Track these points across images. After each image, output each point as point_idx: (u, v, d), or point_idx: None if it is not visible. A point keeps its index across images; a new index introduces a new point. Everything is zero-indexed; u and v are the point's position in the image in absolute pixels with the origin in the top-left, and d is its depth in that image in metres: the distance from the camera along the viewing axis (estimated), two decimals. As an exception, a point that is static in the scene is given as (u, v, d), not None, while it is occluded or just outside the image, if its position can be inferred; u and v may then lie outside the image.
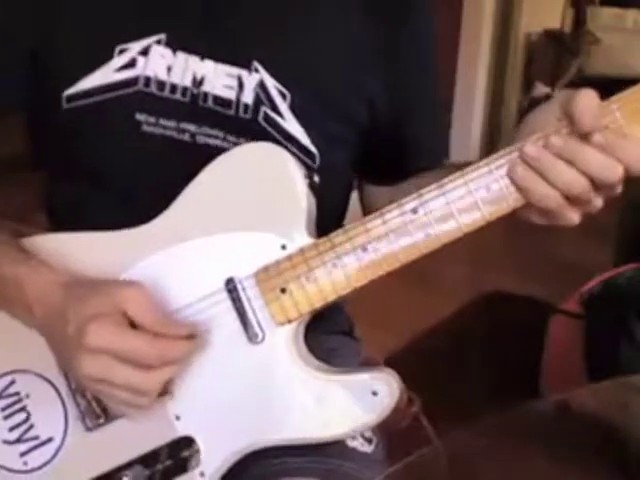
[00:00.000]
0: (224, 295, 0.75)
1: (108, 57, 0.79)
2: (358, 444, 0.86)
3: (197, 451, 0.76)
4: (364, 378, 0.75)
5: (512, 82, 4.15)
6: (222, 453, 0.76)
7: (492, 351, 2.44)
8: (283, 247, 0.75)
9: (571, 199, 0.66)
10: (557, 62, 4.22)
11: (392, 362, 1.30)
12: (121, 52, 0.79)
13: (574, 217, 0.68)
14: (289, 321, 0.75)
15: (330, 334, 0.99)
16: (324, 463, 0.80)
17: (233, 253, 0.76)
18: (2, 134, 0.89)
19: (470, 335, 2.54)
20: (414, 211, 0.72)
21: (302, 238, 0.75)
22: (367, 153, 0.79)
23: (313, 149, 0.82)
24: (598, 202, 0.67)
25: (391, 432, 1.18)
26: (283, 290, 0.74)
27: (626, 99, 0.67)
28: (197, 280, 0.76)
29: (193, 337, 0.73)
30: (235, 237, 0.76)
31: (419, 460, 1.14)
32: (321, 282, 0.74)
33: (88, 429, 0.77)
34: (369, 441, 0.87)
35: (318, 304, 0.75)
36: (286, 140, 0.81)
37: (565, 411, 1.34)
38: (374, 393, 0.74)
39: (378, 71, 0.85)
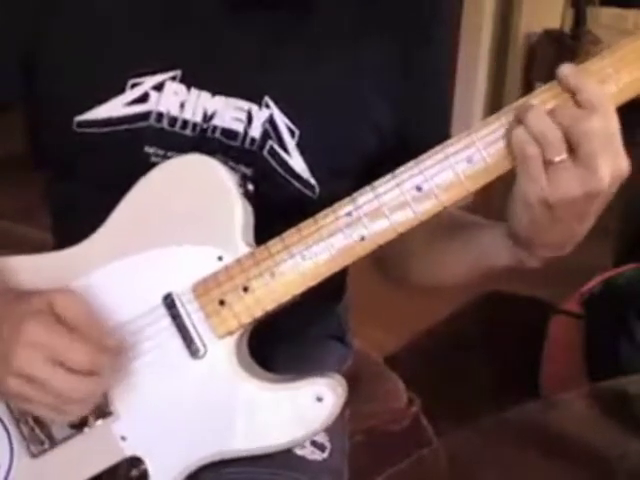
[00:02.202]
0: (163, 311, 0.74)
1: (120, 90, 0.79)
2: (307, 452, 0.84)
3: (145, 470, 0.75)
4: (308, 384, 0.74)
5: (512, 82, 4.15)
6: (171, 471, 0.75)
7: (492, 351, 2.44)
8: (220, 258, 0.73)
9: (546, 160, 0.66)
10: (557, 62, 4.19)
11: (392, 362, 1.31)
12: (133, 86, 0.79)
13: (546, 186, 0.66)
14: (230, 333, 0.73)
15: (318, 339, 0.98)
16: (261, 473, 0.79)
17: (169, 268, 0.74)
18: (2, 134, 0.89)
19: (470, 335, 2.54)
20: (348, 214, 0.71)
21: (239, 248, 0.73)
22: (371, 176, 0.79)
23: (313, 182, 0.82)
24: (568, 176, 0.66)
25: (391, 432, 1.19)
26: (222, 302, 0.73)
27: (614, 50, 0.68)
28: (134, 298, 0.74)
29: (120, 352, 0.72)
30: (171, 252, 0.74)
31: (419, 460, 1.14)
32: (259, 292, 0.72)
33: (33, 456, 0.76)
34: (321, 448, 0.86)
35: (258, 314, 0.73)
36: (287, 173, 0.81)
37: (564, 411, 1.34)
38: (319, 399, 0.73)
39: (388, 93, 0.86)
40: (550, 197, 0.67)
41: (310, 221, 0.72)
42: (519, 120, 0.67)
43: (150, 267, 0.75)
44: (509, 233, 0.74)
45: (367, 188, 0.72)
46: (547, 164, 0.66)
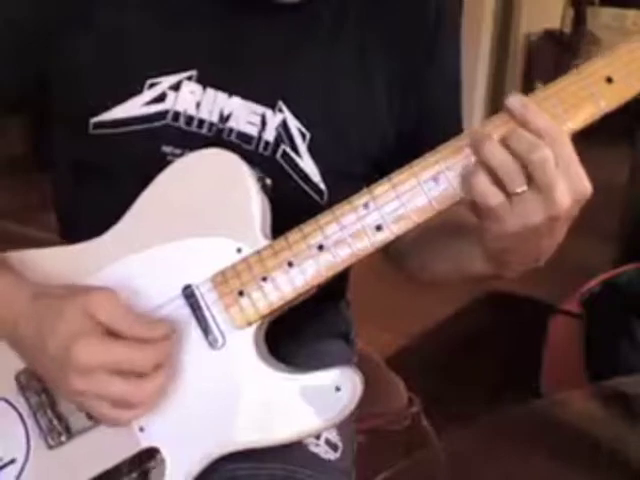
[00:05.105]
0: (182, 302, 0.75)
1: (139, 90, 0.80)
2: (321, 451, 0.85)
3: (162, 461, 0.75)
4: (326, 375, 0.75)
5: (512, 82, 4.16)
6: (188, 462, 0.75)
7: (492, 351, 2.44)
8: (239, 250, 0.75)
9: (508, 193, 0.66)
10: (557, 62, 4.22)
11: (393, 362, 1.31)
12: (151, 86, 0.80)
13: (512, 221, 0.67)
14: (249, 324, 0.74)
15: (322, 337, 0.99)
16: (277, 469, 0.79)
17: (189, 260, 0.75)
18: (2, 134, 0.89)
19: (470, 335, 2.54)
20: (365, 206, 0.72)
21: (257, 240, 0.75)
22: (377, 179, 0.80)
23: (323, 187, 0.84)
24: (534, 207, 0.66)
25: (392, 432, 1.19)
26: (241, 293, 0.74)
27: (560, 82, 0.70)
28: (154, 289, 0.75)
29: (170, 335, 0.72)
30: (190, 243, 0.76)
31: (419, 460, 1.14)
32: (279, 282, 0.73)
33: (50, 447, 0.76)
34: (334, 448, 0.87)
35: (277, 304, 0.74)
36: (299, 177, 0.83)
37: (564, 410, 1.34)
38: (337, 389, 0.74)
39: (394, 110, 0.87)
40: (516, 228, 0.68)
41: (327, 212, 0.73)
42: (475, 152, 0.68)
43: (169, 259, 0.76)
44: (484, 255, 0.75)
45: (384, 179, 0.72)
46: (509, 196, 0.67)
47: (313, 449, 0.84)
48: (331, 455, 0.86)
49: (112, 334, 0.69)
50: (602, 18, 4.55)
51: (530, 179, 0.66)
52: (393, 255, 0.92)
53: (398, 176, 0.72)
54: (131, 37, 0.81)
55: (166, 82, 0.80)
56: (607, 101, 0.70)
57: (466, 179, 0.69)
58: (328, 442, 0.86)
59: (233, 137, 0.82)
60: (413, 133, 0.88)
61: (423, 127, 0.89)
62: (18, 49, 0.82)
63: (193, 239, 0.76)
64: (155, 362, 0.70)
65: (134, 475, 0.76)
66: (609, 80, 0.70)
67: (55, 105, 0.84)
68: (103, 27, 0.81)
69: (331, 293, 0.94)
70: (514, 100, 0.68)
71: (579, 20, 4.46)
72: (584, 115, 0.70)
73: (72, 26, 0.80)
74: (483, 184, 0.67)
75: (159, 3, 0.82)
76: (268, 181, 0.81)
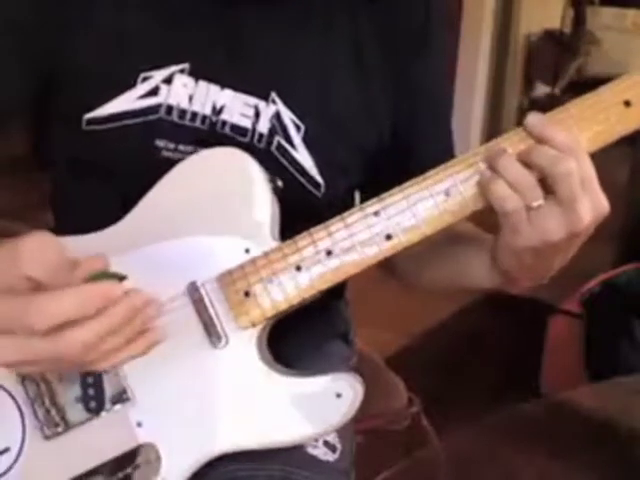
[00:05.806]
0: (186, 299, 0.74)
1: (132, 84, 0.80)
2: (320, 452, 0.85)
3: (159, 458, 0.75)
4: (328, 380, 0.75)
5: (512, 82, 4.16)
6: (184, 460, 0.75)
7: (492, 351, 2.44)
8: (247, 251, 0.75)
9: (527, 205, 0.67)
10: (557, 62, 4.22)
11: (392, 363, 1.31)
12: (144, 80, 0.80)
13: (530, 234, 0.68)
14: (253, 325, 0.74)
15: (321, 336, 0.98)
16: (275, 470, 0.79)
17: (196, 257, 0.75)
18: (2, 134, 0.88)
19: (470, 335, 2.54)
20: (376, 214, 0.73)
21: (266, 242, 0.75)
22: (373, 176, 0.79)
23: (319, 179, 0.84)
24: (551, 221, 0.67)
25: (391, 432, 1.19)
26: (247, 294, 0.74)
27: (578, 103, 0.71)
28: (158, 285, 0.74)
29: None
30: (198, 241, 0.76)
31: (419, 460, 1.14)
32: (285, 285, 0.73)
33: (47, 438, 0.76)
34: (333, 449, 0.87)
35: (282, 307, 0.74)
36: (295, 169, 0.83)
37: (564, 410, 1.34)
38: (338, 395, 0.74)
39: (388, 102, 0.88)
40: (534, 242, 0.68)
41: (337, 218, 0.73)
42: (490, 166, 0.69)
43: (177, 255, 0.75)
44: (497, 269, 0.75)
45: (395, 189, 0.73)
46: (527, 210, 0.67)
47: (311, 451, 0.84)
48: (330, 456, 0.86)
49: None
50: (602, 18, 4.54)
51: (550, 193, 0.66)
52: (391, 259, 0.92)
53: (410, 187, 0.73)
54: (131, 37, 0.81)
55: (159, 75, 0.80)
56: (624, 124, 0.71)
57: (485, 185, 0.70)
58: (327, 444, 0.86)
59: (227, 130, 0.82)
60: (406, 131, 0.89)
61: (415, 126, 0.89)
62: (18, 49, 0.82)
63: (201, 237, 0.76)
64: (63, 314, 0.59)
65: (130, 471, 0.75)
66: (627, 104, 0.70)
67: (54, 104, 0.84)
68: (103, 27, 0.81)
69: (330, 293, 0.94)
70: (532, 118, 0.69)
71: (579, 20, 4.45)
72: (600, 137, 0.71)
73: (72, 26, 0.80)
74: (502, 190, 0.68)
75: (159, 3, 0.82)
76: (280, 183, 0.80)
